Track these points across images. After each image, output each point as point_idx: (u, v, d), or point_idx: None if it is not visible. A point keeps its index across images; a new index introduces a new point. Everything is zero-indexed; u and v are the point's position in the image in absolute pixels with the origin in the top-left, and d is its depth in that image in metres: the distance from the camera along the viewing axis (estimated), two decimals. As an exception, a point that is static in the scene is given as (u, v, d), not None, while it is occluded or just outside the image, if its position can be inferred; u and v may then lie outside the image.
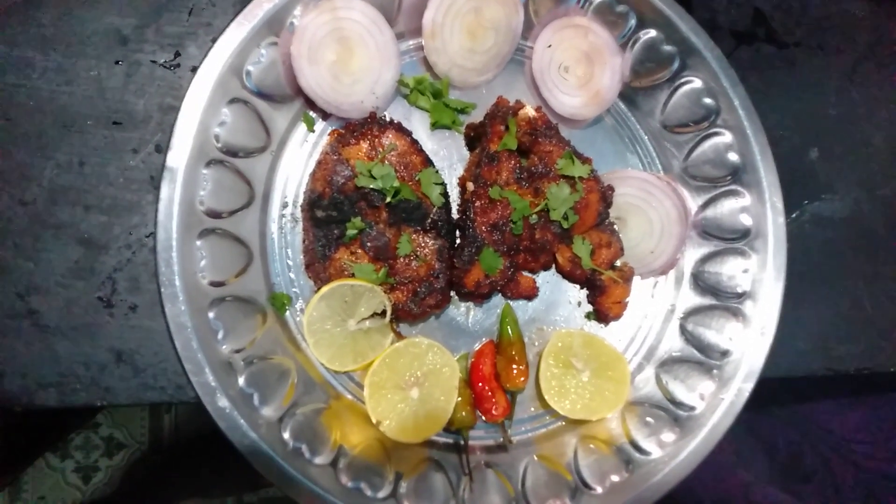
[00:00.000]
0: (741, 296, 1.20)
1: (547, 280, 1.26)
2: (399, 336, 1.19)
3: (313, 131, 1.22)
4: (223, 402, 1.00)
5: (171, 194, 1.02)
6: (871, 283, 1.37)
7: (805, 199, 1.38)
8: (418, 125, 1.25)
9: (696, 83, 1.23)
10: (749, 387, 1.15)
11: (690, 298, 1.26)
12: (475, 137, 1.24)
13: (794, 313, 1.28)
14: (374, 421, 1.10)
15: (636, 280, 1.26)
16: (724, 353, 1.18)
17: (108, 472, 2.73)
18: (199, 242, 1.06)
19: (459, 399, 1.15)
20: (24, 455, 2.48)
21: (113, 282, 1.12)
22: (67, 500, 2.70)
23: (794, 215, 1.36)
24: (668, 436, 1.14)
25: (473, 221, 1.14)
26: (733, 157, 1.22)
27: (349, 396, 1.17)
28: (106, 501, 2.60)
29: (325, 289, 1.11)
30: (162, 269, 1.01)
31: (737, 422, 1.17)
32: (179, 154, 1.03)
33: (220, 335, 1.05)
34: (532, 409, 1.22)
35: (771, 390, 1.51)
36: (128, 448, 2.75)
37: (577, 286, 1.27)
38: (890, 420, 1.47)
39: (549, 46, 1.23)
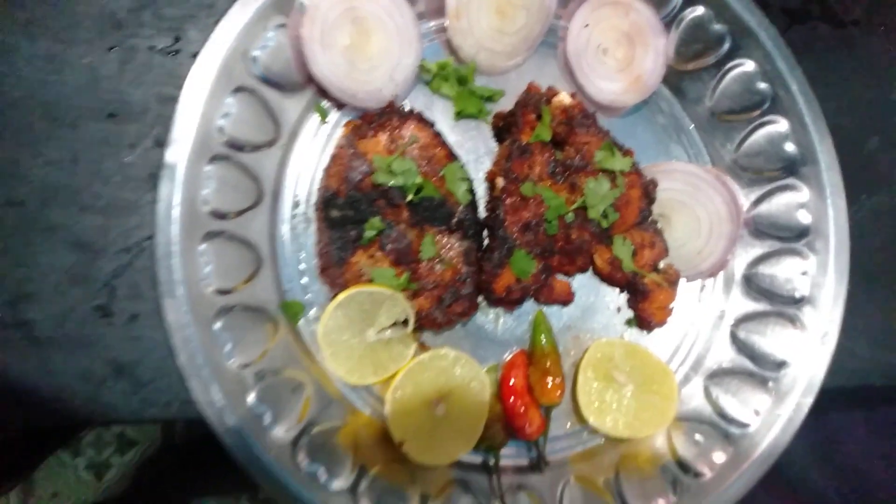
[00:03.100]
0: (799, 301, 1.16)
1: (584, 284, 1.23)
2: (423, 347, 1.17)
3: (326, 122, 1.19)
4: (232, 421, 0.95)
5: (170, 194, 0.98)
6: None
7: (863, 192, 1.34)
8: (441, 115, 1.23)
9: (749, 66, 1.20)
10: (809, 401, 1.11)
11: (742, 304, 1.22)
12: (504, 128, 1.21)
13: (851, 318, 1.23)
14: (396, 440, 1.07)
15: (682, 283, 1.23)
16: (781, 364, 1.14)
17: (121, 469, 2.74)
18: (202, 247, 1.01)
19: (489, 415, 1.12)
20: (38, 452, 2.53)
21: (111, 289, 1.07)
22: (80, 496, 2.73)
23: (852, 209, 1.26)
24: (719, 455, 1.10)
25: (503, 221, 1.11)
26: (790, 147, 1.18)
27: (368, 412, 1.13)
28: (119, 498, 2.60)
29: (341, 296, 1.09)
30: (162, 276, 0.96)
31: (792, 470, 1.13)
32: (180, 149, 0.99)
33: (227, 348, 1.00)
34: (568, 425, 1.18)
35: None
36: (140, 445, 2.76)
37: (617, 290, 1.24)
38: None
39: (586, 26, 1.20)
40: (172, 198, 0.96)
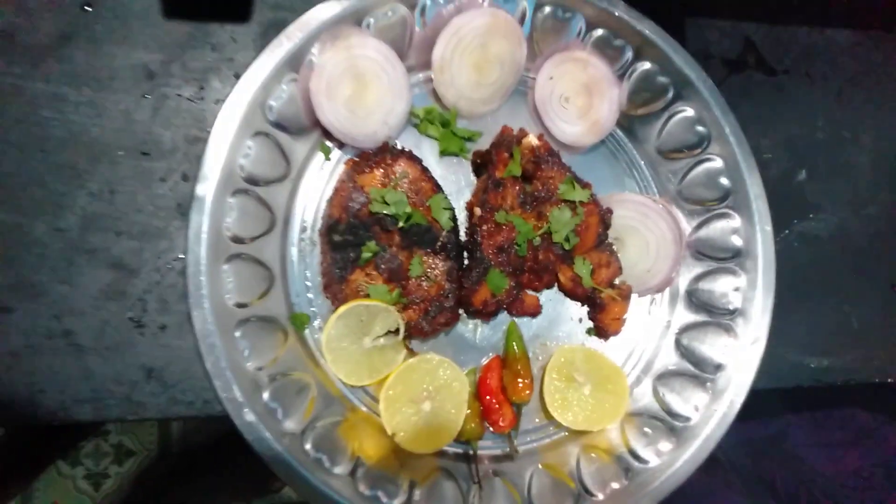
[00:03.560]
0: (732, 312, 1.25)
1: (550, 298, 1.30)
2: (411, 352, 1.22)
3: (329, 160, 1.25)
4: (250, 416, 1.04)
5: (199, 222, 1.06)
6: (856, 299, 1.44)
7: (794, 218, 1.45)
8: (428, 153, 1.29)
9: (689, 112, 1.28)
10: (741, 399, 1.20)
11: (685, 315, 1.30)
12: (482, 164, 1.27)
13: (784, 327, 1.33)
14: (389, 432, 1.14)
15: (634, 298, 1.30)
16: (717, 367, 1.23)
17: (118, 478, 2.77)
18: (225, 266, 1.09)
19: (468, 411, 1.18)
20: (37, 463, 2.55)
21: (143, 303, 1.16)
22: None
23: (783, 234, 1.42)
24: (665, 445, 1.18)
25: (480, 244, 1.17)
26: (724, 181, 1.27)
27: (365, 409, 1.20)
28: None
29: (342, 308, 1.15)
30: (192, 291, 1.05)
31: (742, 461, 1.21)
32: (208, 185, 1.07)
33: (245, 353, 1.08)
34: (536, 420, 1.25)
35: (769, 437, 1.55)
36: (137, 455, 2.80)
37: (579, 304, 1.30)
38: (881, 466, 1.51)
39: (551, 78, 1.28)
40: (201, 225, 1.05)
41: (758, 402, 1.22)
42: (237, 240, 1.12)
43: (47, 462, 2.66)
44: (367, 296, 1.17)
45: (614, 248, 1.26)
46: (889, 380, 1.41)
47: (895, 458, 1.53)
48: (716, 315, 1.26)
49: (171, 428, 2.82)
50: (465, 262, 1.25)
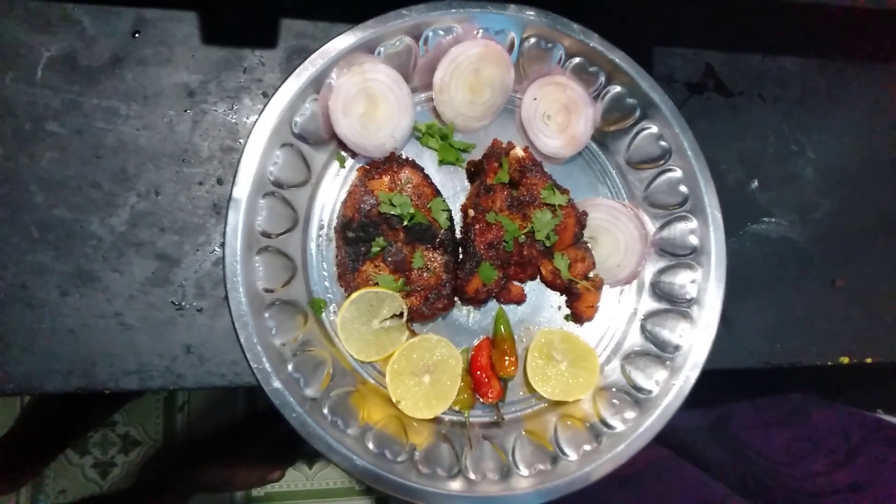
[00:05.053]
0: (689, 301, 1.31)
1: (533, 288, 1.37)
2: (413, 333, 1.28)
3: (344, 167, 1.32)
4: (277, 384, 1.13)
5: (236, 220, 1.15)
6: (801, 293, 1.54)
7: (747, 221, 1.52)
8: (429, 162, 1.35)
9: (654, 129, 1.35)
10: (695, 375, 1.26)
11: (649, 304, 1.37)
12: (475, 172, 1.33)
13: (739, 317, 1.45)
14: (394, 401, 1.21)
15: (606, 288, 1.36)
16: (676, 348, 1.30)
17: (125, 467, 2.87)
18: (256, 258, 1.17)
19: (462, 384, 1.24)
20: (48, 452, 2.61)
21: (183, 289, 1.25)
22: (86, 493, 2.82)
23: (737, 235, 1.52)
24: (630, 414, 1.25)
25: (473, 241, 1.23)
26: (683, 189, 1.34)
27: (373, 382, 1.27)
28: (122, 495, 2.68)
29: (354, 295, 1.21)
30: (229, 278, 1.14)
31: (692, 449, 1.28)
32: (243, 188, 1.16)
33: (273, 331, 1.16)
34: (521, 393, 1.32)
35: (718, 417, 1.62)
36: (143, 445, 2.89)
37: (558, 293, 1.37)
38: (807, 440, 1.60)
39: (535, 99, 1.35)
40: (238, 223, 1.15)
41: (706, 389, 1.28)
42: (266, 235, 1.20)
43: (57, 451, 2.72)
44: (376, 284, 1.23)
45: (589, 245, 1.32)
46: (829, 363, 1.52)
47: (817, 431, 1.61)
48: (675, 303, 1.33)
49: (176, 420, 2.91)
50: (460, 256, 1.31)
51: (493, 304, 1.35)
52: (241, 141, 1.27)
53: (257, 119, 1.22)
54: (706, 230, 1.33)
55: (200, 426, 2.99)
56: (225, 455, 2.69)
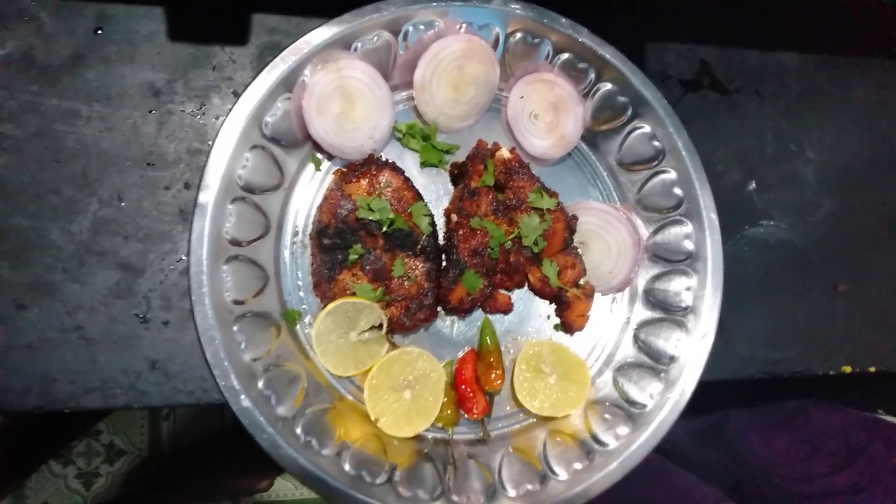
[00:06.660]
0: (685, 310, 1.29)
1: (520, 297, 1.34)
2: (393, 346, 1.26)
3: (320, 170, 1.30)
4: (246, 403, 1.09)
5: (202, 227, 1.11)
6: (802, 299, 1.51)
7: (745, 224, 1.51)
8: (410, 164, 1.33)
9: (647, 129, 1.33)
10: (691, 387, 1.23)
11: (643, 312, 1.34)
12: (458, 175, 1.31)
13: (736, 325, 1.42)
14: (372, 418, 1.18)
15: (597, 297, 1.34)
16: (671, 359, 1.27)
17: (109, 477, 2.79)
18: (224, 267, 1.14)
19: (445, 399, 1.22)
20: (29, 463, 2.51)
21: (148, 300, 1.21)
22: None
23: (734, 239, 1.49)
24: (623, 430, 1.22)
25: (457, 247, 1.21)
26: (678, 191, 1.32)
27: (350, 398, 1.24)
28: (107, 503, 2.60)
29: (330, 306, 1.19)
30: (194, 289, 1.10)
31: (687, 452, 1.26)
32: (209, 193, 1.12)
33: (242, 346, 1.12)
34: (508, 408, 1.30)
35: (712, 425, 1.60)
36: (128, 454, 2.83)
37: (547, 302, 1.35)
38: (806, 443, 1.59)
39: (522, 97, 1.33)
40: (204, 230, 1.11)
41: (703, 397, 1.25)
42: (235, 243, 1.17)
43: (39, 462, 2.65)
44: (354, 294, 1.21)
45: (579, 251, 1.30)
46: (831, 372, 1.49)
47: (817, 433, 1.60)
48: (670, 312, 1.31)
49: (161, 428, 2.86)
50: (443, 263, 1.29)
51: (478, 314, 1.33)
52: (210, 143, 1.22)
53: (224, 119, 1.17)
54: (702, 234, 1.30)
55: (187, 435, 2.93)
56: (212, 465, 2.63)
